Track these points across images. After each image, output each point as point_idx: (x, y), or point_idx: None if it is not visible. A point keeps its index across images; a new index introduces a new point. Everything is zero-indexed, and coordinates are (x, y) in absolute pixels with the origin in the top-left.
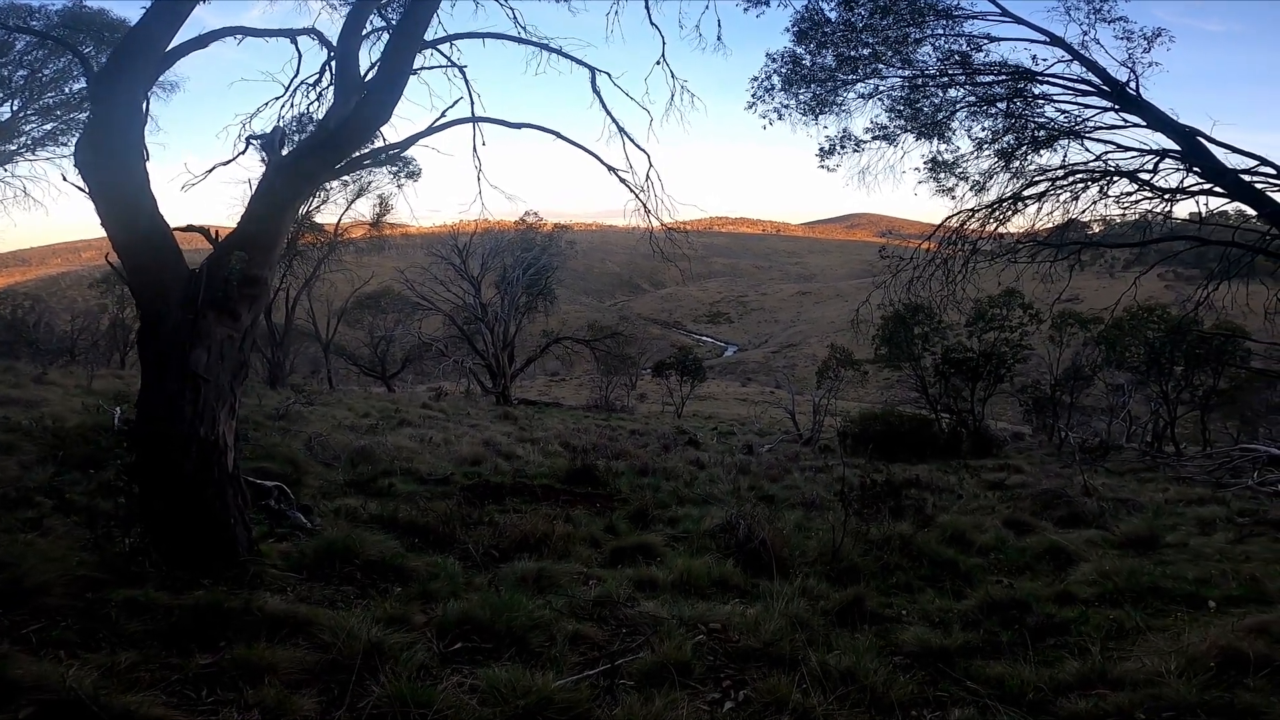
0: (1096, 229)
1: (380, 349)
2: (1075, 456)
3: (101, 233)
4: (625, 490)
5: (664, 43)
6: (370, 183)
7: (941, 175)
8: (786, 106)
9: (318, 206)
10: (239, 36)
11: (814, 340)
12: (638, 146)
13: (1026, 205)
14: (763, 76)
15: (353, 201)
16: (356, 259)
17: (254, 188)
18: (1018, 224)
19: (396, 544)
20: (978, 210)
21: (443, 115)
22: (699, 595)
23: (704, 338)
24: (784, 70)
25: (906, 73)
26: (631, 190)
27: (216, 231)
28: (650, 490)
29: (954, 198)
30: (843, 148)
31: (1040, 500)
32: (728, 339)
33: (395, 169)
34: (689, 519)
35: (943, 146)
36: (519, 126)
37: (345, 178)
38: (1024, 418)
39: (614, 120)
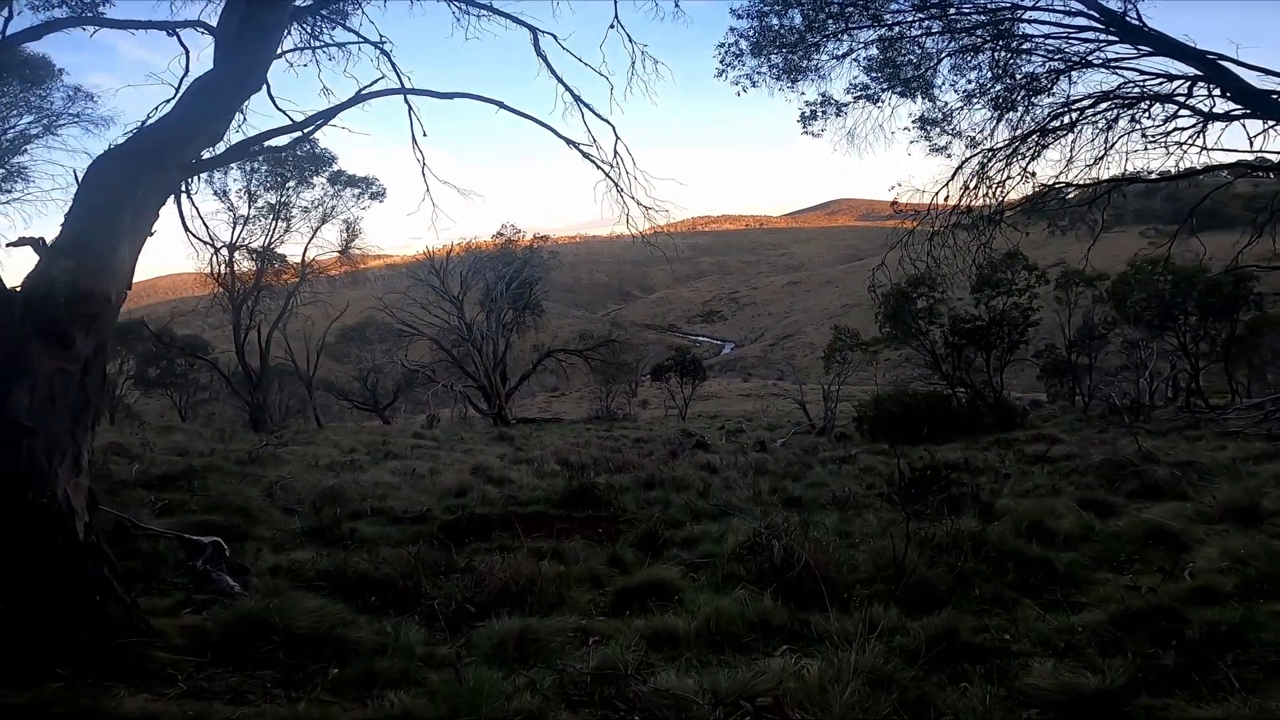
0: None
1: (370, 381)
2: (1125, 419)
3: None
4: (631, 509)
5: (615, 3)
6: (334, 208)
7: (932, 133)
8: (759, 72)
9: (280, 237)
10: (92, 29)
11: (809, 329)
12: (599, 116)
13: (1056, 138)
14: (729, 42)
15: (318, 229)
16: (332, 292)
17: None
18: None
19: (342, 607)
20: (997, 150)
21: (362, 90)
22: (734, 646)
23: (700, 338)
24: (751, 33)
25: (878, 32)
26: (598, 165)
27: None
28: (659, 506)
29: (949, 155)
30: (824, 112)
31: (1103, 473)
32: (723, 336)
33: (358, 190)
34: (708, 538)
35: (928, 105)
36: (451, 96)
37: (299, 196)
38: (1040, 384)
39: (566, 87)
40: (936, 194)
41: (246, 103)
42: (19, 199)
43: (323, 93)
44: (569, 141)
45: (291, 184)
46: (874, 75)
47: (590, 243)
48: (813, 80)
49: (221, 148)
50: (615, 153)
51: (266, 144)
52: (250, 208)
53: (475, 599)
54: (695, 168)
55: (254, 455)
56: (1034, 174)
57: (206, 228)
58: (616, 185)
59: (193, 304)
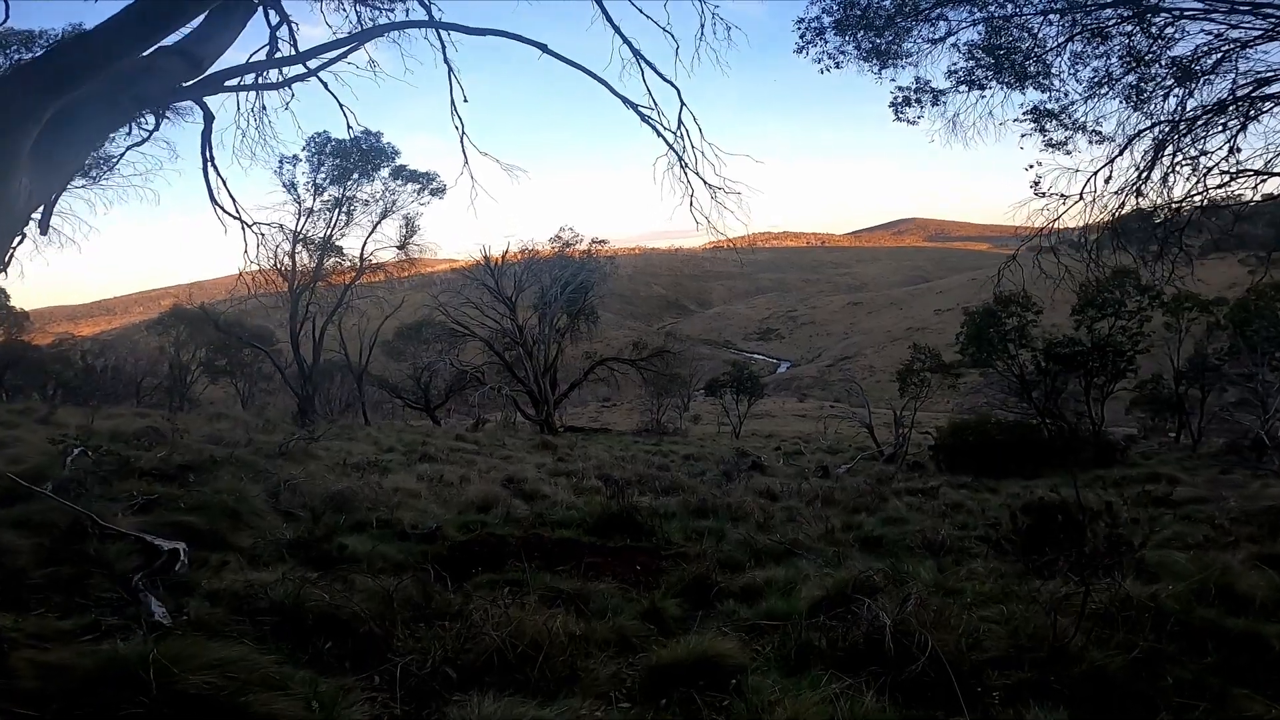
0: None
1: (423, 380)
2: (1249, 458)
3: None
4: (678, 540)
5: None
6: (394, 202)
7: (1048, 125)
8: (843, 53)
9: (341, 230)
10: None
11: (870, 351)
12: (661, 77)
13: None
14: (810, 16)
15: (378, 222)
16: (390, 291)
17: None
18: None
19: (272, 660)
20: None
21: (379, 23)
22: None
23: (755, 355)
24: (835, 8)
25: (983, 12)
26: (659, 132)
27: None
28: (712, 539)
29: (1067, 152)
30: (919, 100)
31: (1265, 521)
32: (779, 355)
33: (418, 186)
34: (774, 589)
35: (1042, 96)
36: (485, 33)
37: (350, 189)
38: (1129, 418)
39: (624, 39)
40: (1090, 180)
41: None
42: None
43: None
44: (626, 101)
45: (354, 177)
46: (978, 60)
47: (649, 255)
48: (901, 66)
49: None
50: (680, 121)
51: (260, 80)
52: (315, 199)
53: (460, 659)
54: (759, 179)
55: (283, 449)
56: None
57: (234, 201)
58: (680, 159)
59: (272, 299)
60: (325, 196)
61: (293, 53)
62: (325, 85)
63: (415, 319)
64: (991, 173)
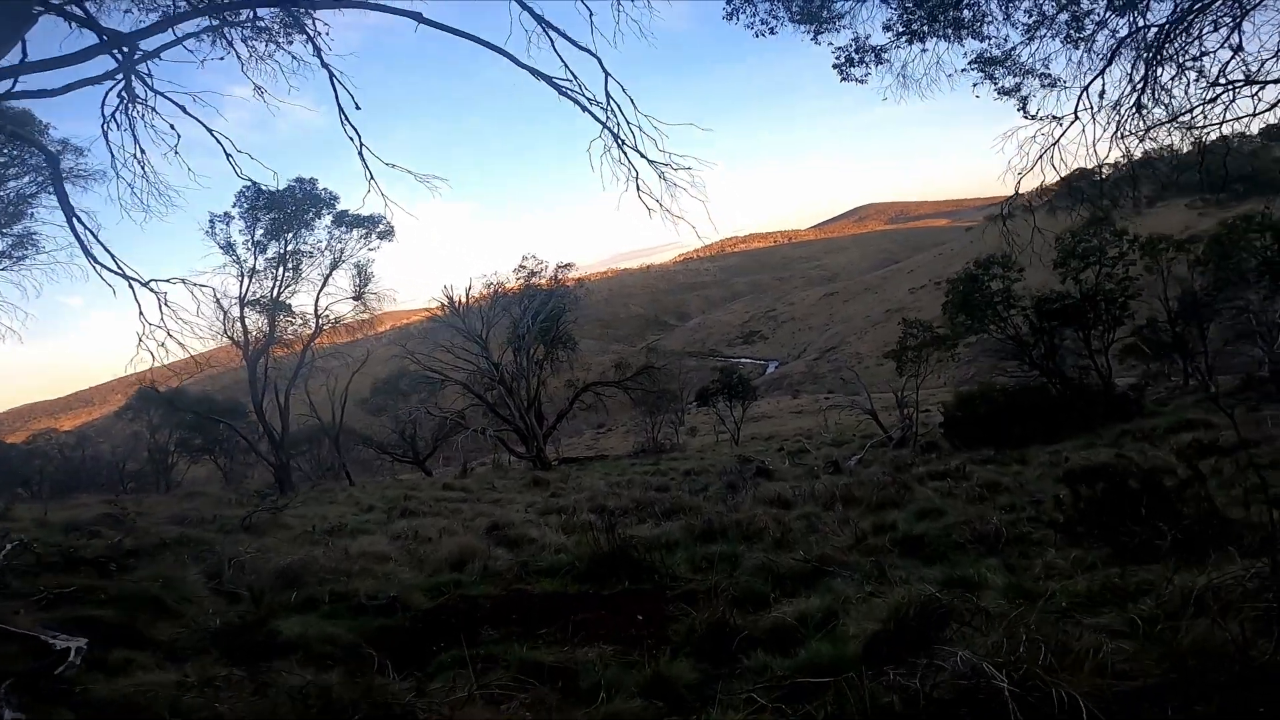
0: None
1: (407, 432)
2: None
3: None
4: (684, 573)
5: None
6: (342, 251)
7: (996, 73)
8: (775, 17)
9: (289, 287)
10: None
11: (853, 338)
12: (576, 45)
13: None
14: None
15: (328, 275)
16: (352, 344)
17: None
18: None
19: None
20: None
21: None
22: None
23: (742, 359)
24: None
25: None
26: (583, 106)
27: None
28: (724, 567)
29: (1020, 97)
30: (862, 60)
31: None
32: (766, 356)
33: (364, 231)
34: (810, 626)
35: (983, 45)
36: (348, 5)
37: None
38: (1124, 367)
39: (524, 6)
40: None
41: None
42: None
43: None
44: (535, 73)
45: (293, 229)
46: (911, 13)
47: (621, 276)
48: (840, 28)
49: None
50: (607, 95)
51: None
52: (257, 258)
53: None
54: (717, 188)
55: (247, 522)
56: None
57: (113, 256)
58: (616, 137)
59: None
60: (269, 254)
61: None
62: (210, 131)
63: (390, 371)
64: (942, 153)
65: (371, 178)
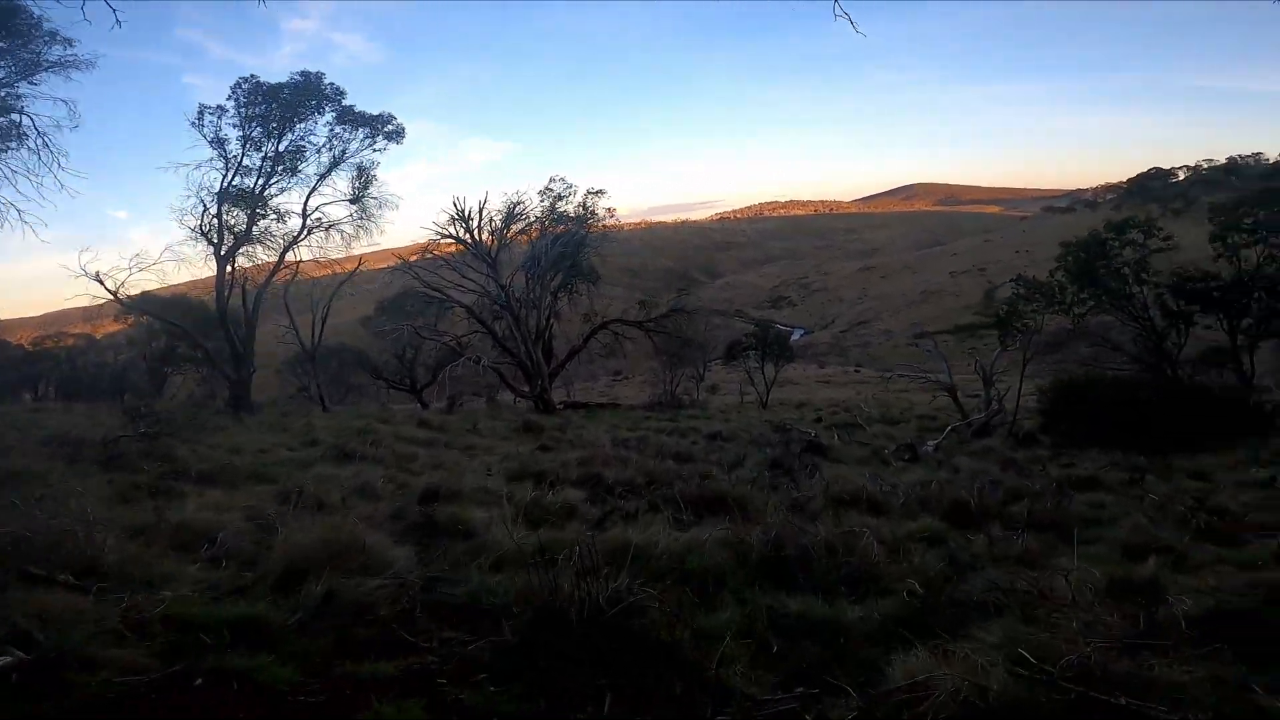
0: None
1: (406, 357)
2: None
3: None
4: (746, 675)
5: None
6: (344, 152)
7: None
8: None
9: (280, 186)
10: None
11: (886, 315)
12: None
13: None
14: None
15: (324, 175)
16: (348, 249)
17: None
18: None
19: None
20: None
21: None
22: None
23: (773, 324)
24: None
25: None
26: None
27: None
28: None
29: None
30: None
31: None
32: (793, 323)
33: (369, 130)
34: None
35: None
36: None
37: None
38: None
39: None
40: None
41: None
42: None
43: None
44: None
45: (285, 128)
46: None
47: (655, 228)
48: None
49: None
50: None
51: None
52: (248, 153)
53: None
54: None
55: (110, 451)
56: None
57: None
58: None
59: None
60: (263, 152)
61: None
62: None
63: (397, 292)
64: (997, 136)
65: None
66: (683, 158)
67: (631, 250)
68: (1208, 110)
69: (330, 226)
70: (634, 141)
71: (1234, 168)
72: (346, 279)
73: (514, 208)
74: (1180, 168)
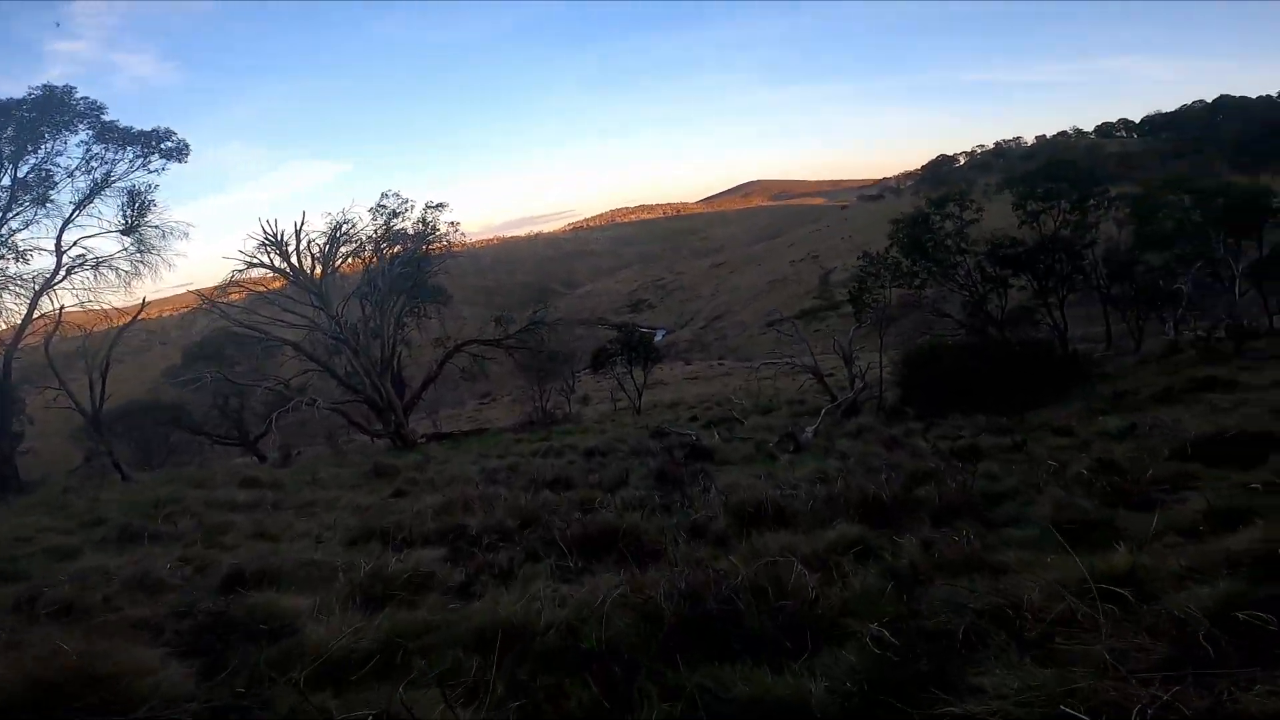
0: None
1: (232, 407)
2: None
3: None
4: None
5: None
6: (108, 174)
7: None
8: None
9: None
10: None
11: (738, 308)
12: None
13: None
14: None
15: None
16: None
17: None
18: None
19: None
20: None
21: None
22: None
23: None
24: None
25: None
26: None
27: None
28: None
29: None
30: None
31: None
32: (654, 324)
33: (140, 148)
34: None
35: None
36: None
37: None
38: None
39: None
40: None
41: None
42: None
43: None
44: None
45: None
46: None
47: (509, 244)
48: None
49: None
50: None
51: None
52: None
53: None
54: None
55: None
56: None
57: None
58: None
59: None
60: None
61: None
62: None
63: (206, 334)
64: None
65: None
66: (532, 170)
67: (485, 267)
68: (982, 101)
69: (100, 264)
70: (480, 157)
71: (1001, 151)
72: (128, 326)
73: (339, 228)
74: (960, 154)
